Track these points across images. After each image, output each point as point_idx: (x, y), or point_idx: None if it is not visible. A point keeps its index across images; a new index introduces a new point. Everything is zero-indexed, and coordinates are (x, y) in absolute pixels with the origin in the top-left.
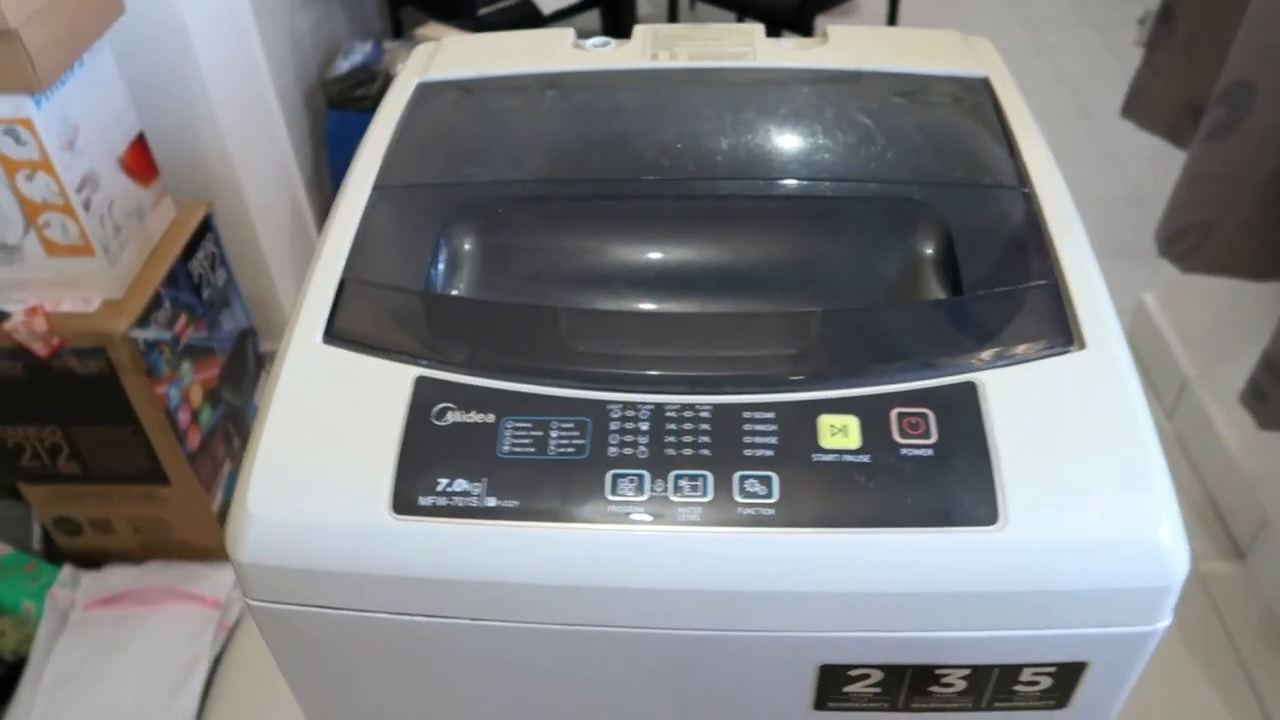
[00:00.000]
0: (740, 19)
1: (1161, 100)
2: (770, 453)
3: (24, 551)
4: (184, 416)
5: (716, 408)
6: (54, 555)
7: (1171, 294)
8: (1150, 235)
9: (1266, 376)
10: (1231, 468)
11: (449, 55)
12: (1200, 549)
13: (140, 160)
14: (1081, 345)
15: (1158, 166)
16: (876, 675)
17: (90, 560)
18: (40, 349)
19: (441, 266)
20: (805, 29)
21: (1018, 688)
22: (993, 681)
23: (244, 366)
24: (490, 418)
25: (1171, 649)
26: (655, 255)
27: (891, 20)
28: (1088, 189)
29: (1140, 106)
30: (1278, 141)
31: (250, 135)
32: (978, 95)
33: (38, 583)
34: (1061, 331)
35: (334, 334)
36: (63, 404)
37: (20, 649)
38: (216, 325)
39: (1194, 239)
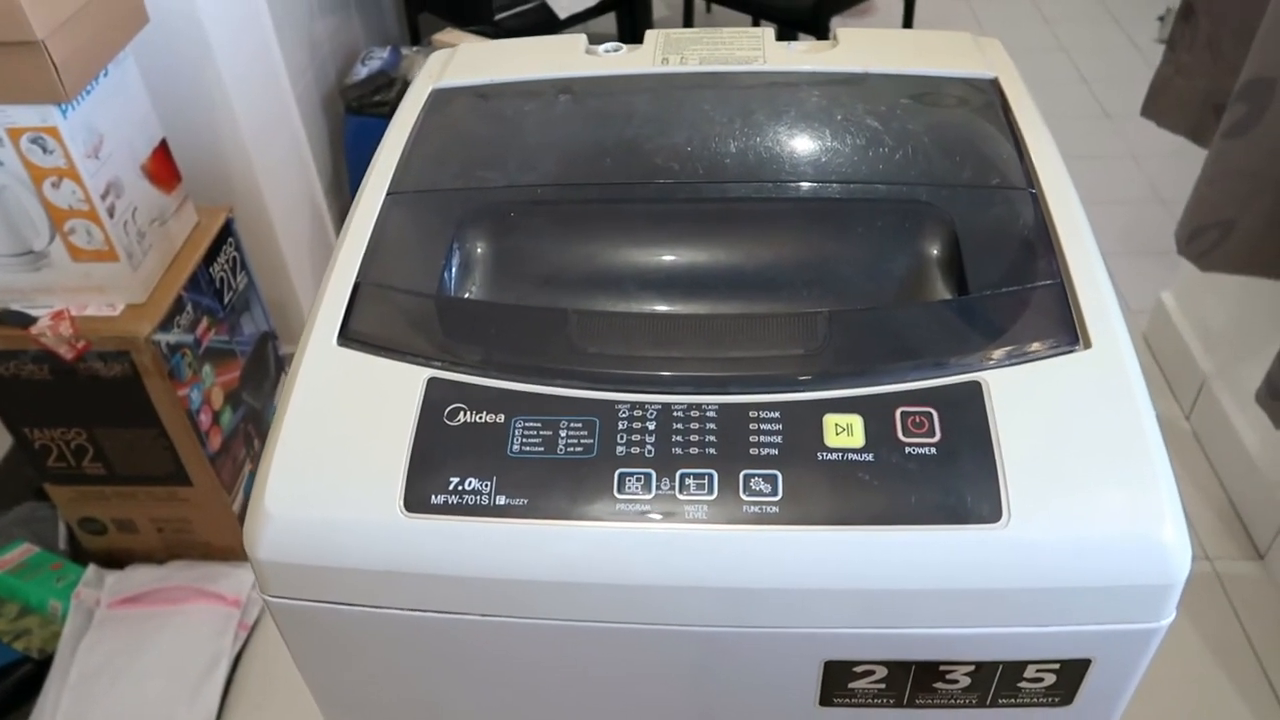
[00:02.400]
0: (755, 21)
1: (1183, 98)
2: (775, 452)
3: (50, 551)
4: (205, 418)
5: (722, 407)
6: (79, 555)
7: (1191, 293)
8: (1170, 234)
9: None
10: (1251, 468)
11: (463, 62)
12: (1219, 550)
13: (163, 167)
14: (1087, 344)
15: (1177, 166)
16: (881, 671)
17: (114, 560)
18: (66, 352)
19: (454, 270)
20: (820, 31)
21: (1022, 684)
22: (997, 678)
23: (264, 369)
24: (500, 418)
25: (1190, 649)
26: (665, 258)
27: (908, 19)
28: (1107, 189)
29: (1161, 105)
30: None
31: (270, 141)
32: (986, 96)
33: (64, 582)
34: (1067, 331)
35: (349, 336)
36: (88, 406)
37: (47, 646)
38: (237, 328)
39: (1213, 237)
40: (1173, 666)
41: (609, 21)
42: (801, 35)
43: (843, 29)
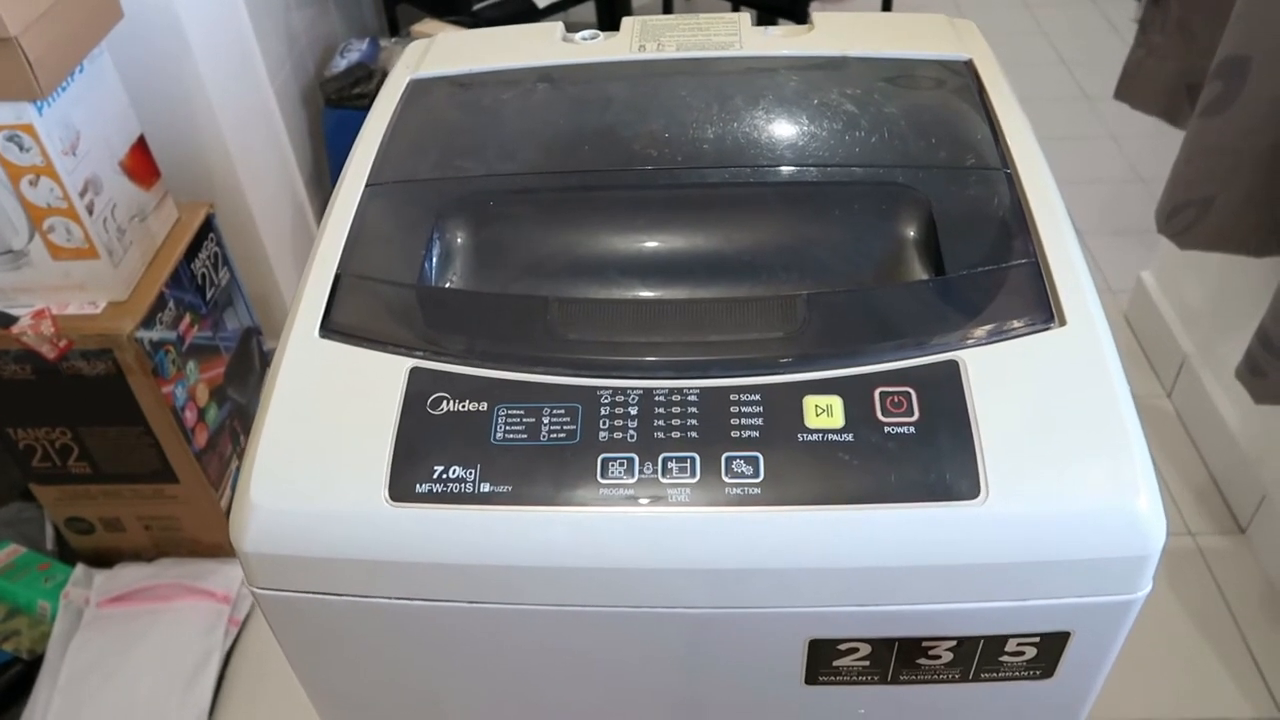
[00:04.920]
0: (735, 8)
1: (1156, 80)
2: (756, 434)
3: (37, 552)
4: (190, 415)
5: (704, 391)
6: (67, 555)
7: (1170, 272)
8: (1150, 213)
9: (1261, 351)
10: (1231, 444)
11: (440, 52)
12: (1201, 524)
13: (141, 163)
14: (1062, 322)
15: (1157, 145)
16: (865, 649)
17: (102, 559)
18: (48, 351)
19: (435, 260)
20: (800, 15)
21: (1004, 658)
22: (979, 652)
23: (249, 364)
24: (483, 406)
25: (1173, 622)
26: (645, 244)
27: (886, 3)
28: (1088, 169)
29: (1134, 87)
30: (1274, 114)
31: (250, 135)
32: (961, 77)
33: (52, 582)
34: (1042, 309)
35: (330, 328)
36: (71, 405)
37: (36, 647)
38: (220, 324)
39: (1192, 215)
40: (1156, 639)
41: (588, 10)
42: (781, 20)
43: (819, 13)
